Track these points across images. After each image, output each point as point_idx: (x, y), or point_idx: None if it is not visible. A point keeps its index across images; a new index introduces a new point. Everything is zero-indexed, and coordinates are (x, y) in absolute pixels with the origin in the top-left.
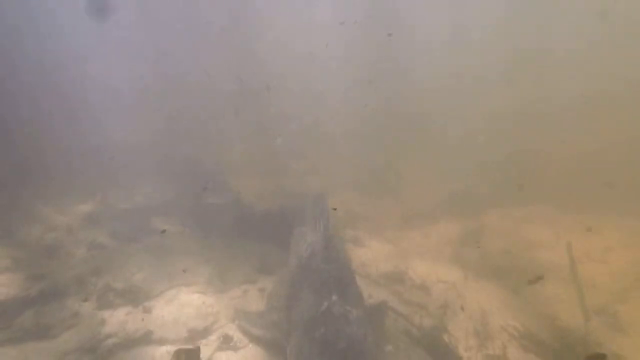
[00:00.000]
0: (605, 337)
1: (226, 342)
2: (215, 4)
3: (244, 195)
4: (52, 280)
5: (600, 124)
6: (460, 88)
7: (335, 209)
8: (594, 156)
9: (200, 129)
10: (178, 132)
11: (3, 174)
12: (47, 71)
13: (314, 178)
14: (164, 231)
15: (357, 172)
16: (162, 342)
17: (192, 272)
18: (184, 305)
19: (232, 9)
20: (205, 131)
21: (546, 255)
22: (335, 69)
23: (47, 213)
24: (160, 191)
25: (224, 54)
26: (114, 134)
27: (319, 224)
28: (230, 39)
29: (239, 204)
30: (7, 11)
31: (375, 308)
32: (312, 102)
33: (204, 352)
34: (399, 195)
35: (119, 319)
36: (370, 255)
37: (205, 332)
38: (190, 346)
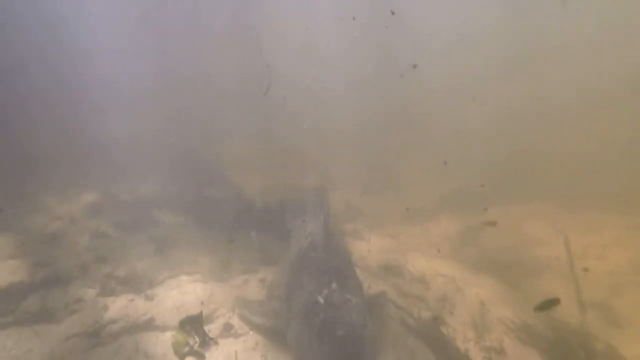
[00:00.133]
0: (600, 330)
1: (227, 330)
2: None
3: (244, 189)
4: (56, 267)
5: (599, 124)
6: (460, 88)
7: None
8: (593, 156)
9: (204, 124)
10: (181, 127)
11: (9, 165)
12: (52, 65)
13: (314, 174)
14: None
15: (357, 170)
16: (163, 328)
17: (194, 262)
18: (185, 293)
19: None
20: (208, 126)
21: (544, 251)
22: (337, 67)
23: (51, 203)
24: (163, 184)
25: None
26: (118, 126)
27: (320, 215)
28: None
29: (240, 197)
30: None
31: (374, 298)
32: (315, 100)
33: None
34: (399, 192)
35: (121, 306)
36: (370, 248)
37: (206, 320)
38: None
